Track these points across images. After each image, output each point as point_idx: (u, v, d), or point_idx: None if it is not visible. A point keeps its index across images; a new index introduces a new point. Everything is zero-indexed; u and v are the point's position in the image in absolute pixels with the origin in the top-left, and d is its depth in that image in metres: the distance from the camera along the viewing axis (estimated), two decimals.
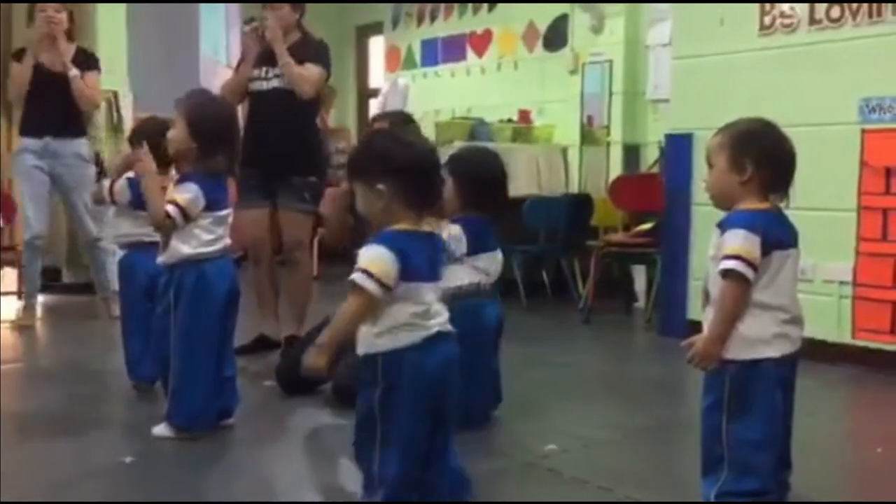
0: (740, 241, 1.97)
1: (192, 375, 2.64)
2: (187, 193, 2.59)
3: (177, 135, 2.65)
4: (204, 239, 2.63)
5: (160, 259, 2.69)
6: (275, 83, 3.83)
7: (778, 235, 2.02)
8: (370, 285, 1.84)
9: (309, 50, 3.87)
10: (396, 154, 1.91)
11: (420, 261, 1.89)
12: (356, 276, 1.85)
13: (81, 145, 4.62)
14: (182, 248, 2.62)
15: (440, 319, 1.94)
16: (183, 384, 2.64)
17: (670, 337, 4.33)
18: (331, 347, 1.90)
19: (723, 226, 2.03)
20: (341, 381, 2.85)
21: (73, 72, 4.45)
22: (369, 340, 1.90)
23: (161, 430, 2.69)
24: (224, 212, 2.70)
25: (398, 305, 1.88)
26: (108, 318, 4.45)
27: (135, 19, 5.82)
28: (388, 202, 1.89)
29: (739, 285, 1.97)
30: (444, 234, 2.75)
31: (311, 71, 3.81)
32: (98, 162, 4.80)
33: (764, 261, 1.98)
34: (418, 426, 1.90)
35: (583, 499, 2.30)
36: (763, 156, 2.03)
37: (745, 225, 1.98)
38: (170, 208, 2.59)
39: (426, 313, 1.91)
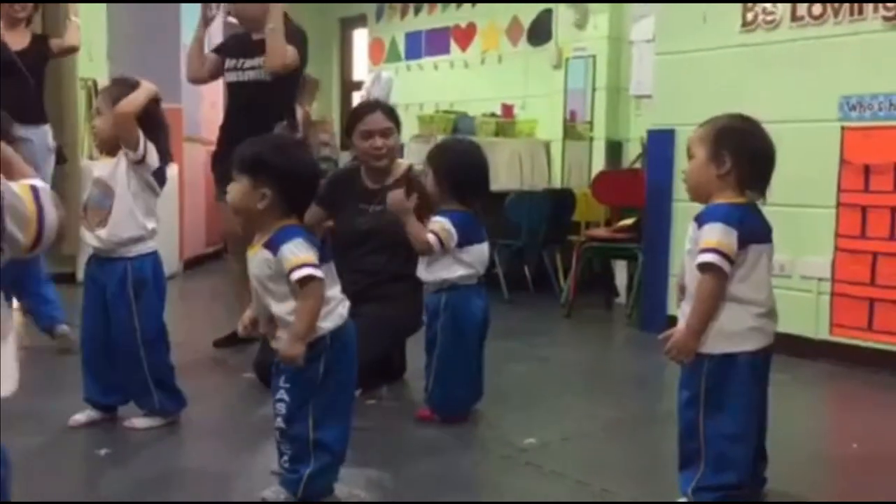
0: (717, 234, 1.98)
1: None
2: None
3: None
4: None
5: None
6: (250, 74, 3.77)
7: (754, 229, 2.03)
8: (319, 273, 2.00)
9: (286, 33, 3.79)
10: (283, 162, 2.06)
11: (324, 249, 2.08)
12: (312, 271, 1.98)
13: (45, 134, 4.45)
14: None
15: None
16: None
17: (650, 332, 4.34)
18: (304, 339, 2.00)
19: (700, 219, 2.03)
20: (262, 358, 3.00)
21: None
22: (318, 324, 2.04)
23: (140, 422, 2.69)
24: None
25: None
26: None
27: (115, 7, 5.76)
28: (270, 204, 2.03)
29: (716, 278, 1.98)
30: (434, 228, 2.76)
31: (286, 48, 3.73)
32: (59, 151, 4.63)
33: (741, 254, 1.99)
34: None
35: (561, 492, 2.31)
36: (743, 151, 2.04)
37: (722, 218, 1.99)
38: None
39: (335, 288, 2.11)
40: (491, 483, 2.43)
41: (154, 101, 2.67)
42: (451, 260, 2.79)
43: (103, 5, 5.63)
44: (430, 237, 2.75)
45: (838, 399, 3.56)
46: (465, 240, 2.79)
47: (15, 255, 0.97)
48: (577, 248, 5.10)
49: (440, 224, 2.76)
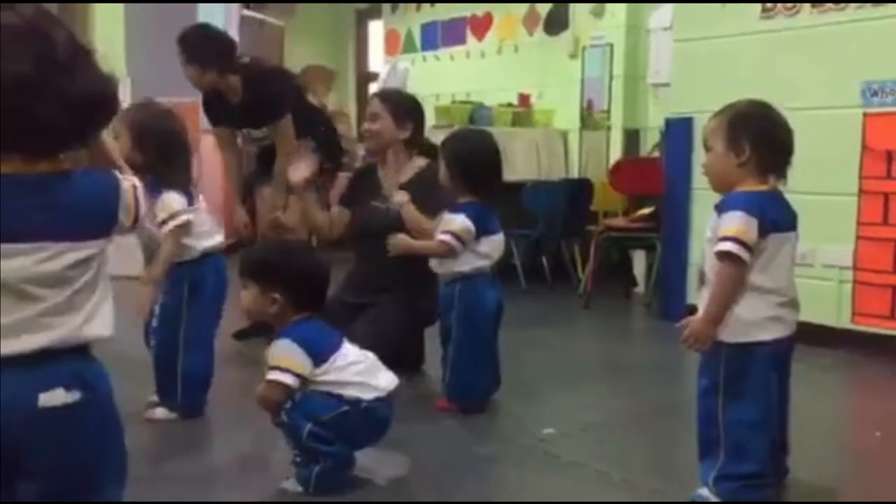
0: (737, 222, 1.95)
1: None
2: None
3: None
4: None
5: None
6: (262, 143, 3.91)
7: (775, 218, 2.01)
8: (288, 379, 2.09)
9: (260, 105, 3.71)
10: (288, 266, 2.16)
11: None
12: (280, 377, 2.09)
13: None
14: None
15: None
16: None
17: (669, 321, 4.29)
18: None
19: (720, 207, 2.01)
20: None
21: None
22: None
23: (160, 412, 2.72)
24: None
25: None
26: None
27: (131, 9, 5.78)
28: (281, 307, 2.13)
29: (735, 267, 1.96)
30: (452, 229, 2.76)
31: (280, 155, 3.72)
32: None
33: (761, 243, 1.97)
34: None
35: (581, 482, 2.30)
36: (760, 136, 2.02)
37: (742, 207, 1.97)
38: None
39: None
40: (510, 473, 2.42)
41: (177, 129, 2.69)
42: (466, 252, 2.78)
43: (121, 7, 5.66)
44: (448, 239, 2.74)
45: (860, 387, 3.53)
46: (481, 231, 2.79)
47: (119, 233, 1.31)
48: (594, 237, 5.07)
49: (459, 224, 2.75)
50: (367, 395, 2.14)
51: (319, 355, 2.11)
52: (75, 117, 1.23)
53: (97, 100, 1.26)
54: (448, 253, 2.77)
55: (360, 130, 3.28)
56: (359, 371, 2.15)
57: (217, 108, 3.83)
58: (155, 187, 2.54)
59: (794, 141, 2.06)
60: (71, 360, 1.23)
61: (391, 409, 2.21)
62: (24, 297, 1.19)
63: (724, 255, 1.96)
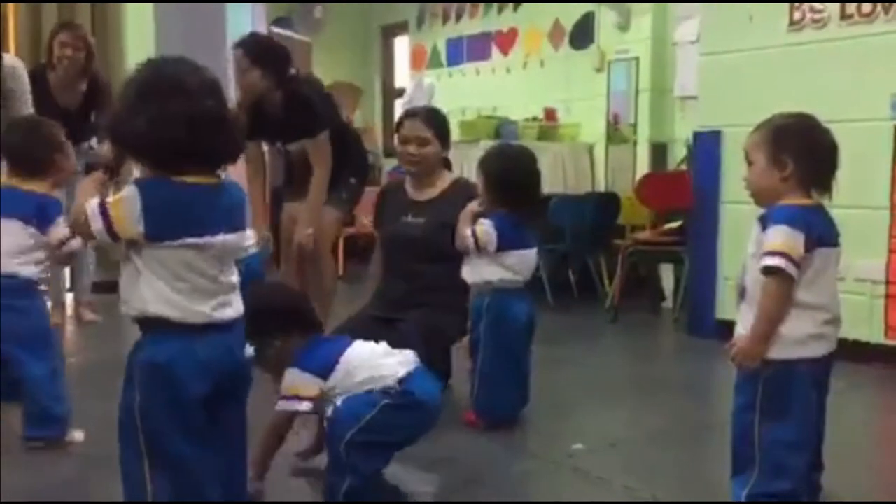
0: (783, 236, 1.92)
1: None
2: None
3: None
4: None
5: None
6: (293, 146, 3.83)
7: (821, 233, 1.97)
8: (303, 406, 2.12)
9: (300, 118, 3.70)
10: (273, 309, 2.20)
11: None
12: (295, 405, 2.11)
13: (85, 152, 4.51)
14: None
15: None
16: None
17: (698, 337, 4.30)
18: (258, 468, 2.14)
19: (764, 221, 1.97)
20: None
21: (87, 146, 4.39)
22: None
23: None
24: None
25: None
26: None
27: (162, 15, 5.85)
28: (281, 349, 2.16)
29: (783, 283, 1.92)
30: (474, 231, 2.78)
31: (319, 169, 3.71)
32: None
33: (807, 258, 1.93)
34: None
35: (609, 499, 2.29)
36: (803, 150, 1.98)
37: (788, 221, 1.93)
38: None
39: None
40: (539, 488, 2.41)
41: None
42: (492, 263, 2.80)
43: (150, 9, 5.73)
44: (467, 233, 2.79)
45: (893, 403, 3.47)
46: (507, 244, 2.80)
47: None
48: (622, 251, 5.05)
49: (481, 226, 2.79)
50: (398, 376, 2.10)
51: (326, 367, 2.10)
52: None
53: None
54: (463, 246, 2.81)
55: (400, 150, 3.24)
56: (373, 365, 2.12)
57: (254, 119, 3.80)
58: None
59: (838, 155, 2.02)
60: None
61: (430, 384, 2.18)
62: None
63: (771, 271, 1.92)
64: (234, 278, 1.70)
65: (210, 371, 1.65)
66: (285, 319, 2.18)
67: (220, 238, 1.62)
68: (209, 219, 1.61)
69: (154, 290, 1.60)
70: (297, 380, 2.10)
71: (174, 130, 1.56)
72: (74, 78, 4.46)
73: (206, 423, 1.68)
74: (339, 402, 2.08)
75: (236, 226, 1.68)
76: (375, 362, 2.14)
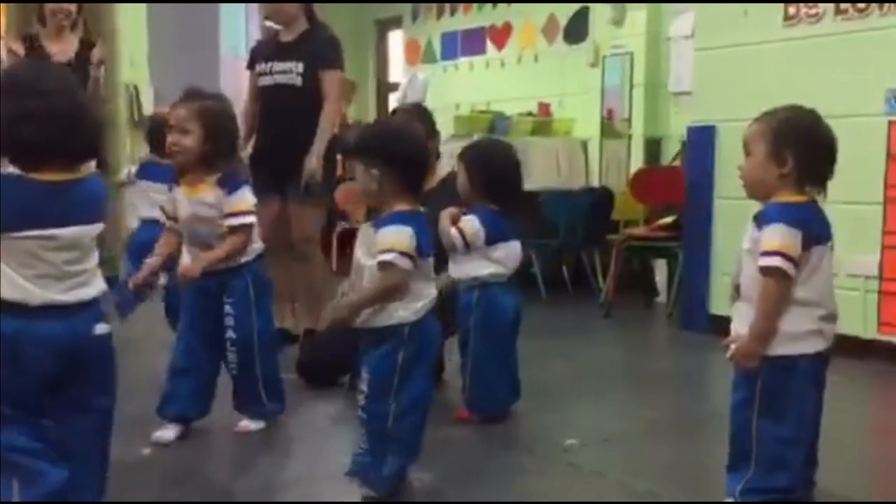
0: (781, 236, 1.91)
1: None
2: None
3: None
4: None
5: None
6: (279, 78, 3.74)
7: (817, 230, 1.97)
8: (405, 263, 2.06)
9: (317, 44, 3.75)
10: (391, 145, 2.18)
11: (425, 239, 2.14)
12: (391, 257, 2.05)
13: None
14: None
15: (433, 291, 2.21)
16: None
17: (692, 332, 4.30)
18: (357, 312, 2.11)
19: (760, 219, 1.97)
20: (305, 359, 3.31)
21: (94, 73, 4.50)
22: (391, 313, 2.10)
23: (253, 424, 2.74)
24: None
25: (418, 280, 2.12)
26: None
27: (155, 14, 5.84)
28: (380, 185, 2.13)
29: (782, 282, 1.92)
30: (461, 226, 2.77)
31: (330, 104, 3.71)
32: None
33: (804, 256, 1.93)
34: (428, 384, 2.20)
35: (602, 493, 2.28)
36: (805, 147, 1.97)
37: (785, 219, 1.93)
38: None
39: (430, 286, 2.18)
40: (533, 483, 2.41)
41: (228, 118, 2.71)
42: (480, 258, 2.80)
43: (144, 9, 5.71)
44: (453, 232, 2.78)
45: (887, 398, 3.48)
46: (494, 238, 2.81)
47: None
48: (615, 247, 5.05)
49: (467, 222, 2.79)
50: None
51: (425, 249, 2.12)
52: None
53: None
54: (450, 244, 2.79)
55: None
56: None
57: (265, 46, 3.86)
58: (232, 181, 2.58)
59: (836, 150, 2.01)
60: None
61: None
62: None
63: (770, 271, 1.92)
64: (91, 263, 1.77)
65: (51, 349, 1.71)
66: (399, 163, 2.14)
67: (70, 230, 1.70)
68: (58, 213, 1.69)
69: (4, 275, 1.69)
70: (407, 236, 2.08)
71: (28, 129, 1.65)
72: (66, 31, 4.50)
73: (41, 400, 1.73)
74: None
75: (92, 218, 1.77)
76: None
